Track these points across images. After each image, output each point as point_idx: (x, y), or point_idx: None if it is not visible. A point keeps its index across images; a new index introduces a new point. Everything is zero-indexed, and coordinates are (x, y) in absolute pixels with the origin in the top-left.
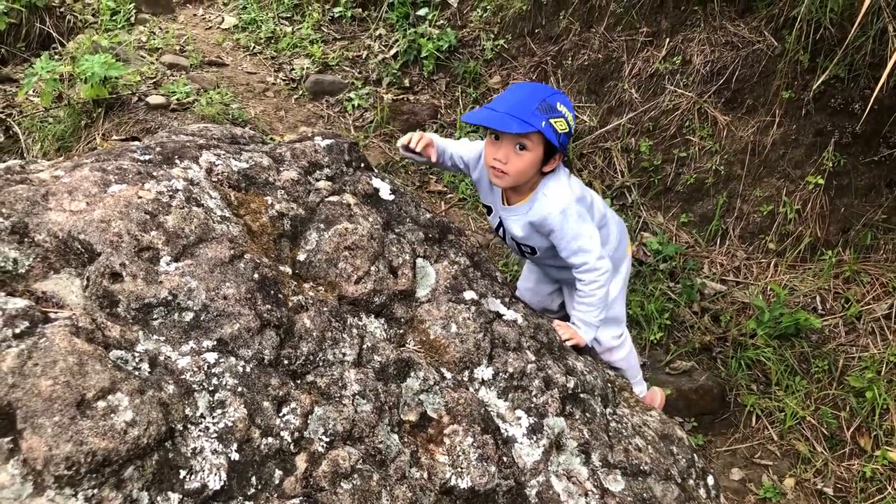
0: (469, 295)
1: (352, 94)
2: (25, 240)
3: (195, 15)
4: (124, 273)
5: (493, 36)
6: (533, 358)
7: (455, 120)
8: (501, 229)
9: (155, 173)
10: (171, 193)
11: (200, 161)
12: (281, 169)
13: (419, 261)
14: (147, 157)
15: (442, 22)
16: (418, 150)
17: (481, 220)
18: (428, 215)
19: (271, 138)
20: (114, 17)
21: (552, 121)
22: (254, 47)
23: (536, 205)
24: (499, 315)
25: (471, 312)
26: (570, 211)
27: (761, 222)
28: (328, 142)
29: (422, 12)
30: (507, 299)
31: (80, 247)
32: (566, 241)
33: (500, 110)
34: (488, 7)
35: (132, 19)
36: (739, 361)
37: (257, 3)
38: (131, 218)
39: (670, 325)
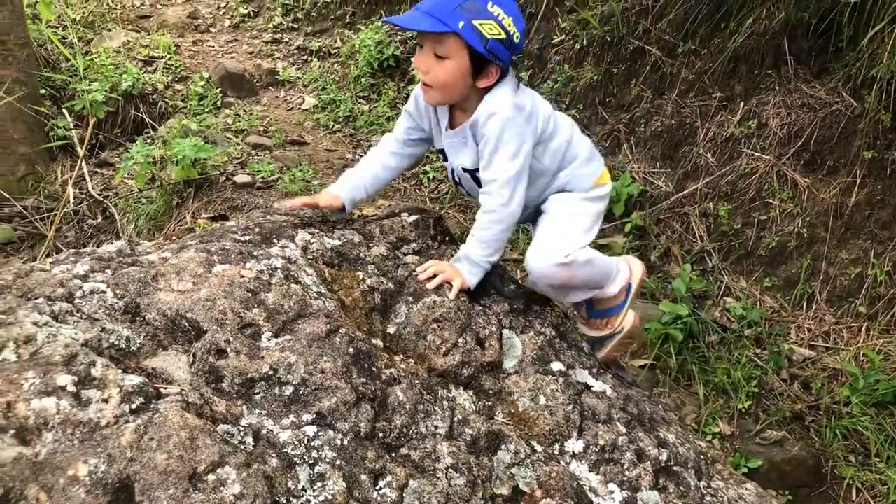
0: (556, 366)
1: (427, 167)
2: (137, 319)
3: (277, 97)
4: (229, 349)
5: (564, 106)
6: (624, 430)
7: None
8: (454, 173)
9: (255, 253)
10: (270, 272)
11: (296, 240)
12: (371, 245)
13: (505, 332)
14: (247, 238)
15: None
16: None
17: None
18: (512, 286)
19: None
20: (202, 102)
21: (477, 22)
22: (333, 126)
23: (479, 110)
24: (587, 387)
25: (559, 384)
26: (500, 115)
27: (849, 285)
28: (414, 217)
29: None
30: (594, 370)
31: (187, 325)
32: (487, 151)
33: (421, 9)
34: (559, 79)
35: (218, 103)
36: (834, 431)
37: (336, 84)
38: (234, 296)
39: (758, 394)
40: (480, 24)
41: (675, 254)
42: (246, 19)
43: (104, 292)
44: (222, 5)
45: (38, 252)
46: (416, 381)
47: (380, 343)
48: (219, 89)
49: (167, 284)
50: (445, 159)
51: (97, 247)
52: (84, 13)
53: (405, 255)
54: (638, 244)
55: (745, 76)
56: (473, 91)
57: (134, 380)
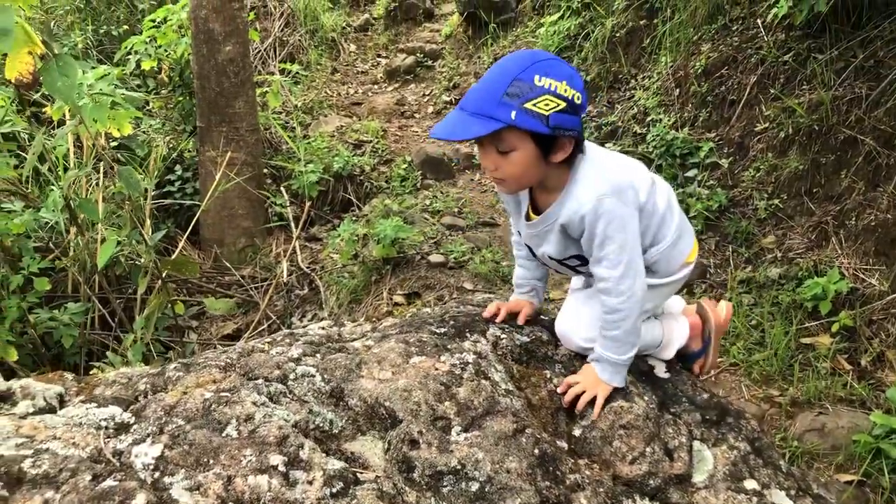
0: (750, 484)
1: None
2: (340, 403)
3: (472, 179)
4: (421, 440)
5: (766, 195)
6: None
7: (725, 280)
8: (536, 255)
9: (449, 346)
10: (462, 366)
11: (488, 335)
12: (559, 343)
13: (696, 444)
14: (442, 330)
15: (712, 182)
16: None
17: None
18: (705, 395)
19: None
20: (403, 183)
21: (530, 104)
22: None
23: (568, 202)
24: None
25: None
26: (604, 206)
27: None
28: None
29: (691, 173)
30: (792, 492)
31: (384, 412)
32: (594, 244)
33: (467, 109)
34: (761, 167)
35: (418, 184)
36: None
37: None
38: (429, 388)
39: None
40: (535, 105)
41: (889, 359)
42: (448, 106)
43: (314, 376)
44: (427, 93)
45: (251, 318)
46: (601, 489)
47: (565, 445)
48: (419, 172)
49: (369, 372)
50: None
51: (302, 317)
52: (305, 100)
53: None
54: (847, 346)
55: None
56: (551, 168)
57: (336, 464)
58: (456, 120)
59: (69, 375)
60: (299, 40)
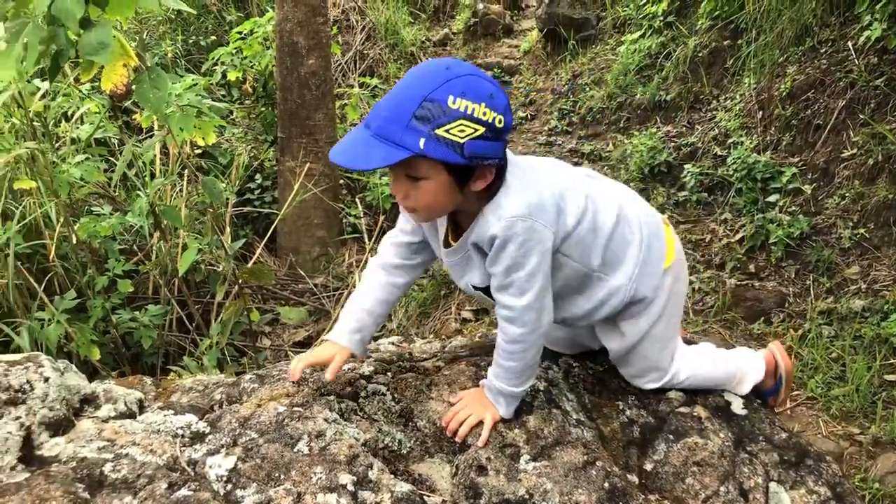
0: None
1: (693, 278)
2: (410, 424)
3: None
4: (489, 467)
5: (851, 224)
6: None
7: (805, 310)
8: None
9: None
10: (533, 393)
11: (560, 362)
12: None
13: (772, 485)
14: None
15: (794, 208)
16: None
17: None
18: (784, 435)
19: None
20: None
21: (441, 130)
22: None
23: (481, 222)
24: None
25: None
26: (516, 228)
27: None
28: None
29: (772, 199)
30: None
31: (452, 436)
32: (499, 268)
33: (371, 128)
34: (847, 195)
35: None
36: None
37: None
38: None
39: None
40: (447, 131)
41: None
42: (524, 122)
43: (384, 395)
44: None
45: (322, 326)
46: None
47: (635, 479)
48: None
49: (439, 394)
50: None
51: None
52: None
53: (668, 389)
54: None
55: None
56: (470, 197)
57: (403, 487)
58: (359, 142)
59: (148, 380)
60: (379, 54)
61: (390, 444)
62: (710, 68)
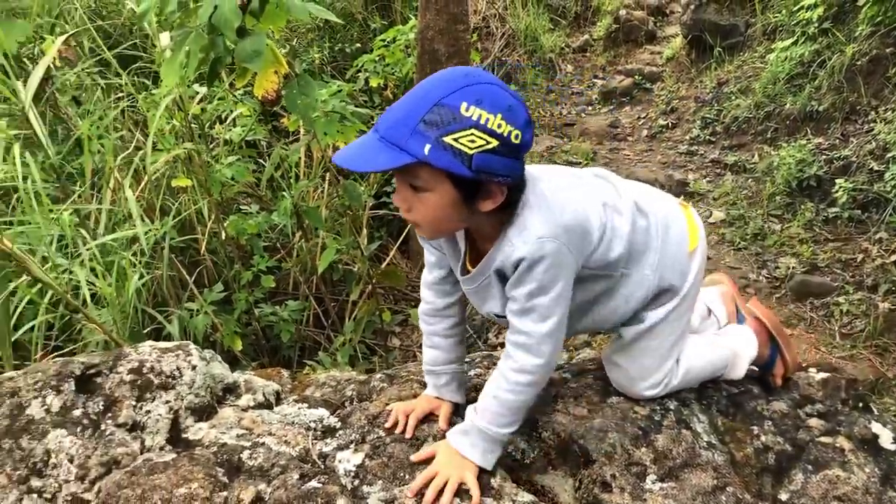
0: None
1: (840, 299)
2: (534, 434)
3: None
4: (614, 484)
5: None
6: None
7: None
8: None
9: None
10: (663, 412)
11: None
12: (771, 398)
13: None
14: None
15: None
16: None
17: None
18: None
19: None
20: None
21: (450, 138)
22: (739, 242)
23: (503, 246)
24: None
25: None
26: (545, 249)
27: None
28: (823, 375)
29: None
30: None
31: (577, 449)
32: (524, 291)
33: (379, 131)
34: None
35: None
36: None
37: (747, 200)
38: (626, 432)
39: None
40: (455, 140)
41: None
42: (664, 130)
43: None
44: (642, 116)
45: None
46: None
47: None
48: None
49: (564, 406)
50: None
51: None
52: None
53: (809, 416)
54: None
55: None
56: (483, 217)
57: (525, 497)
58: (366, 145)
59: (285, 372)
60: (517, 60)
61: (513, 453)
62: (868, 77)
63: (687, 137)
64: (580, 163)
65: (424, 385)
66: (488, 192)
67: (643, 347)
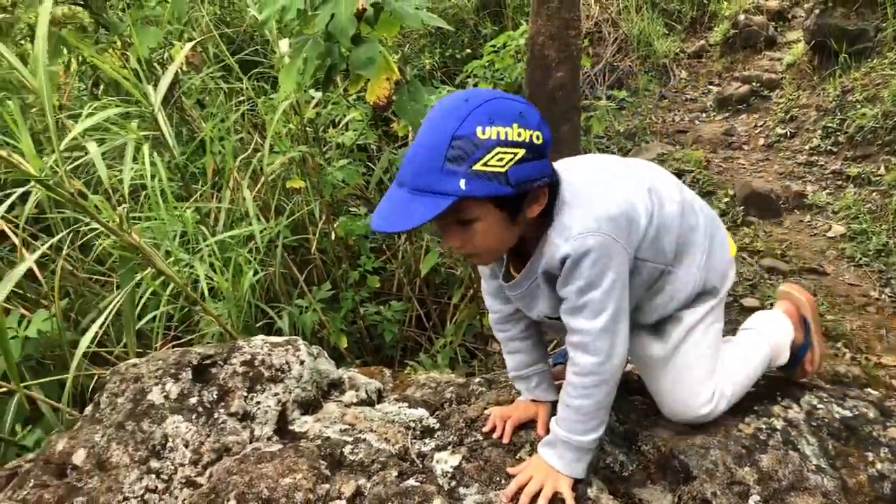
0: None
1: None
2: (633, 447)
3: (801, 221)
4: (714, 502)
5: None
6: None
7: None
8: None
9: (756, 407)
10: (769, 431)
11: (801, 402)
12: (888, 424)
13: None
14: (752, 389)
15: None
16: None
17: None
18: None
19: (866, 357)
20: (723, 218)
21: (479, 166)
22: (860, 258)
23: (547, 248)
24: None
25: None
26: (588, 243)
27: None
28: None
29: None
30: None
31: (677, 465)
32: (572, 289)
33: (406, 184)
34: None
35: (738, 221)
36: None
37: (871, 214)
38: (728, 450)
39: None
40: (485, 165)
41: None
42: (781, 139)
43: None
44: (759, 124)
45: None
46: None
47: None
48: (741, 207)
49: (666, 420)
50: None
51: None
52: (628, 126)
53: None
54: None
55: None
56: (527, 225)
57: None
58: (396, 201)
59: (387, 371)
60: (630, 66)
61: (612, 465)
62: None
63: (806, 147)
64: (691, 171)
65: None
66: (534, 197)
67: (685, 359)
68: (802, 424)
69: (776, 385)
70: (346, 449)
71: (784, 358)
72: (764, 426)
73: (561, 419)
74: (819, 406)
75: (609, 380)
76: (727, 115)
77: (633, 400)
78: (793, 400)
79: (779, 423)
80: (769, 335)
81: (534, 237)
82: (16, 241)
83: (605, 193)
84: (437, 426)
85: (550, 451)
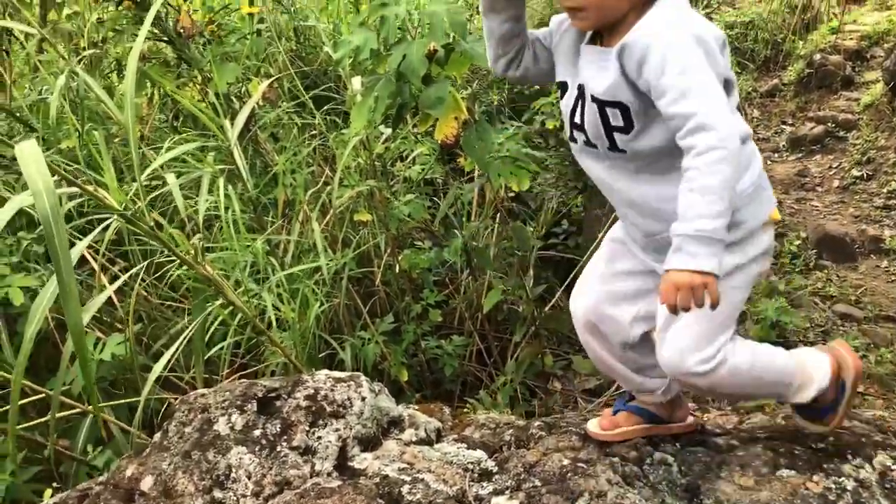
0: None
1: None
2: (695, 500)
3: (878, 266)
4: None
5: None
6: None
7: None
8: (577, 108)
9: (825, 465)
10: (839, 492)
11: (874, 462)
12: None
13: None
14: (820, 446)
15: None
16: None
17: None
18: None
19: None
20: (793, 261)
21: None
22: None
23: (632, 32)
24: None
25: None
26: (679, 34)
27: None
28: None
29: None
30: None
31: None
32: (670, 75)
33: None
34: None
35: (811, 264)
36: None
37: None
38: None
39: None
40: None
41: None
42: (857, 181)
43: (671, 465)
44: (834, 166)
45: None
46: None
47: None
48: (814, 250)
49: (729, 475)
50: (563, 93)
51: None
52: None
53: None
54: None
55: None
56: (631, 10)
57: None
58: None
59: (447, 409)
60: None
61: None
62: None
63: (884, 191)
64: None
65: (583, 438)
66: None
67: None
68: (875, 486)
69: (847, 442)
70: (405, 489)
71: (804, 397)
72: (833, 486)
73: (684, 214)
74: (893, 467)
75: (731, 156)
76: (800, 155)
77: (695, 451)
78: (865, 459)
79: (849, 484)
80: (807, 362)
81: (626, 25)
82: (95, 266)
83: (699, 18)
84: (496, 469)
85: (678, 257)
